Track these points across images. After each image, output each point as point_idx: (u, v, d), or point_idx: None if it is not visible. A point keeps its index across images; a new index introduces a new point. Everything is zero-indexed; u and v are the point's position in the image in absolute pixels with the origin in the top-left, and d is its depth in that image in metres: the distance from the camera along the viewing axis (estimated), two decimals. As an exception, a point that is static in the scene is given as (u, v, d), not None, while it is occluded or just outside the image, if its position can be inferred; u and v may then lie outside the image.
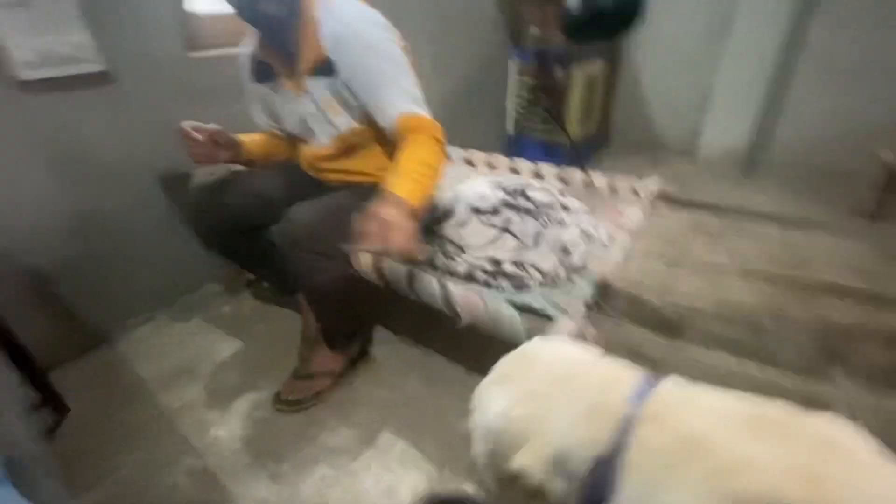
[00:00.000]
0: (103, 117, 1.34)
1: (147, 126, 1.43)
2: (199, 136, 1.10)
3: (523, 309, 0.95)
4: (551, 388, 0.53)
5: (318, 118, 1.11)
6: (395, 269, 1.09)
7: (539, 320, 0.92)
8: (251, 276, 1.72)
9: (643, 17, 1.86)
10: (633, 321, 0.97)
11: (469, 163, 1.78)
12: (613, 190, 1.48)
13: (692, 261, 1.13)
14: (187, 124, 1.11)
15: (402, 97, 1.00)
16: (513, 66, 2.72)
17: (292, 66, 1.06)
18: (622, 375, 0.54)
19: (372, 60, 0.99)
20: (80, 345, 1.47)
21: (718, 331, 0.93)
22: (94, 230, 1.41)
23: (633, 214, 1.30)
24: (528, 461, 0.49)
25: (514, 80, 2.75)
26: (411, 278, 1.06)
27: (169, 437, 1.17)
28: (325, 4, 1.00)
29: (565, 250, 1.10)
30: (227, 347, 1.47)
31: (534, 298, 0.97)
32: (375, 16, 1.03)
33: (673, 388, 0.51)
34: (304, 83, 1.06)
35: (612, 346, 0.88)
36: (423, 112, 1.01)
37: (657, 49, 2.87)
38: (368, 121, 1.08)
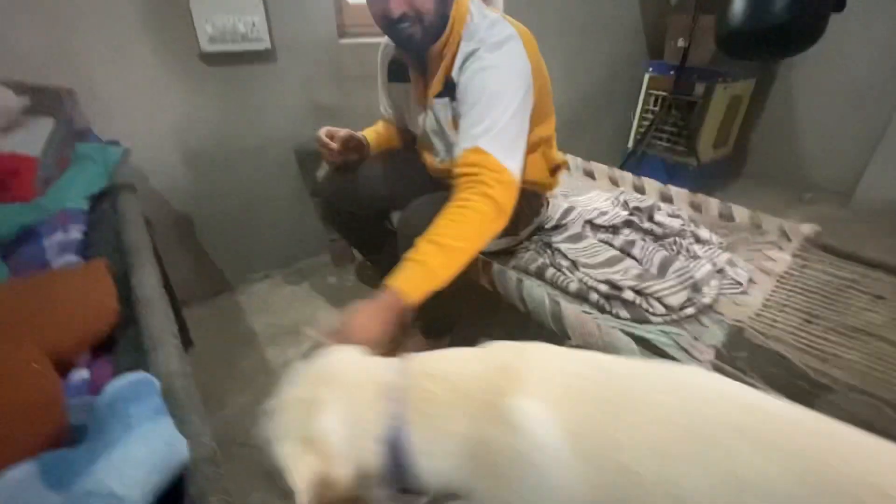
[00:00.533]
0: (261, 91, 1.49)
1: (294, 102, 1.56)
2: (333, 145, 1.14)
3: (641, 343, 0.87)
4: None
5: (440, 134, 1.08)
6: (505, 273, 1.07)
7: (658, 358, 0.84)
8: (359, 255, 1.80)
9: (818, 36, 1.61)
10: (766, 380, 0.85)
11: (589, 175, 1.69)
12: (757, 226, 1.31)
13: (846, 323, 0.96)
14: (323, 132, 1.15)
15: (485, 131, 0.85)
16: (646, 79, 2.54)
17: (425, 82, 1.04)
18: (378, 362, 0.58)
19: (479, 86, 0.89)
20: (209, 289, 1.66)
21: (866, 413, 0.78)
22: (235, 190, 1.57)
23: (781, 258, 1.14)
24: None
25: (646, 93, 2.57)
26: (521, 287, 1.02)
27: (271, 390, 1.27)
28: (472, 23, 0.94)
29: (696, 287, 0.99)
30: (327, 317, 1.55)
31: (655, 334, 0.89)
32: (511, 42, 0.91)
33: (422, 357, 0.56)
34: (430, 100, 1.04)
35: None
36: (499, 154, 0.84)
37: (822, 72, 2.50)
38: None
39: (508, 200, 0.85)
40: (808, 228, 1.23)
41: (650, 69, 2.52)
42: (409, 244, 0.99)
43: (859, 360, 0.86)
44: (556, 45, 0.93)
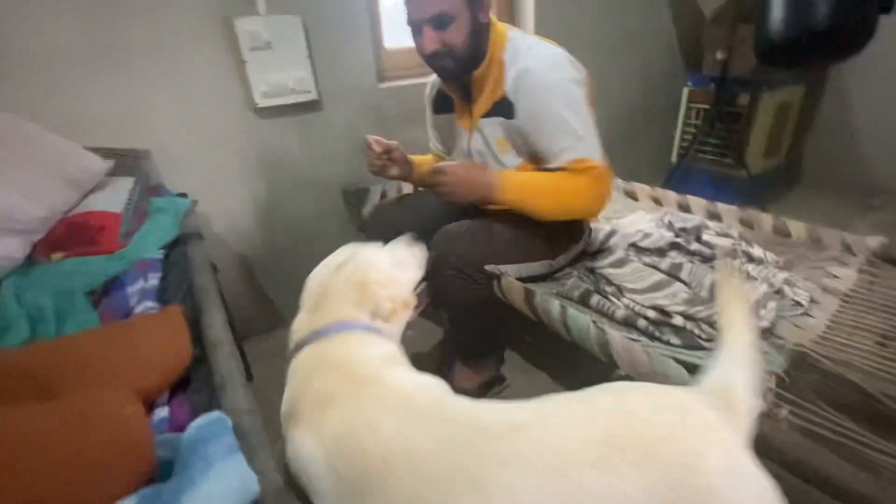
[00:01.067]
0: (310, 137, 1.60)
1: (340, 145, 1.67)
2: (377, 148, 1.16)
3: (695, 371, 0.84)
4: None
5: (486, 154, 1.14)
6: (548, 301, 1.07)
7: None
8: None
9: (867, 40, 1.53)
10: (834, 406, 0.79)
11: (631, 196, 1.67)
12: (816, 241, 1.24)
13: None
14: (372, 137, 1.19)
15: (575, 143, 0.98)
16: (685, 92, 2.50)
17: (469, 106, 1.12)
18: None
19: (549, 106, 0.97)
20: (266, 323, 1.75)
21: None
22: (288, 228, 1.68)
23: (845, 275, 1.07)
24: None
25: (686, 107, 2.52)
26: (564, 314, 1.02)
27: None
28: (512, 47, 1.02)
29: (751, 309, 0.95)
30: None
31: (709, 361, 0.86)
32: (559, 58, 1.01)
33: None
34: (477, 122, 1.10)
35: (807, 433, 0.73)
36: (594, 156, 0.99)
37: (877, 73, 2.35)
38: (535, 161, 1.07)
39: (606, 187, 1.02)
40: (874, 241, 1.16)
41: (689, 83, 2.48)
42: (437, 269, 1.02)
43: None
44: (588, 64, 0.99)
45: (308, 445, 0.59)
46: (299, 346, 0.74)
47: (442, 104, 1.22)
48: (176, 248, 1.09)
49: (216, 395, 0.63)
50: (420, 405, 0.59)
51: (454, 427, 0.53)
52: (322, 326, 0.73)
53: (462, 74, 1.03)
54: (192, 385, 0.70)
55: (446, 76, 1.06)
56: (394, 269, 0.82)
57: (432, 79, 1.25)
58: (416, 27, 0.97)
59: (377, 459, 0.52)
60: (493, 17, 1.04)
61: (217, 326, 0.75)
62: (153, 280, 0.90)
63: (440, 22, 0.94)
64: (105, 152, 1.20)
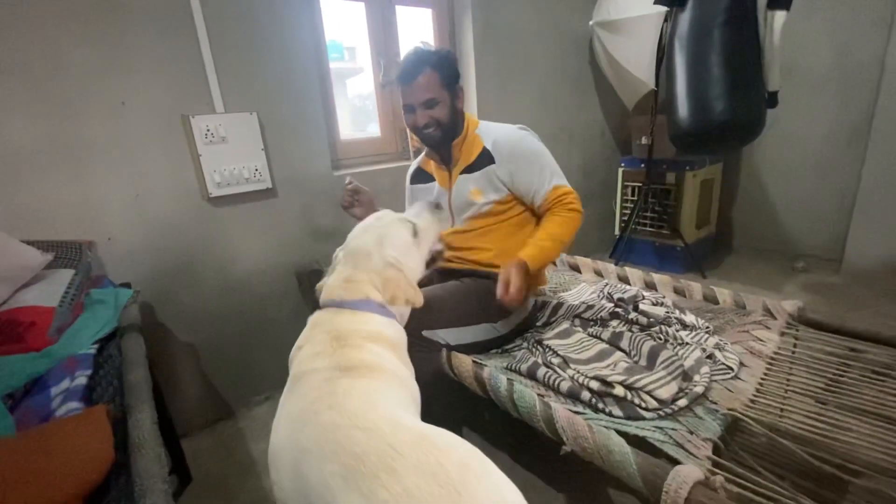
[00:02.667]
0: (263, 223, 1.64)
1: (294, 230, 1.70)
2: (349, 188, 1.36)
3: (635, 441, 0.86)
4: None
5: (461, 206, 1.33)
6: (496, 377, 1.08)
7: (654, 457, 0.82)
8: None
9: (759, 130, 1.79)
10: (770, 470, 0.82)
11: (574, 269, 1.76)
12: (741, 307, 1.34)
13: (854, 404, 0.94)
14: (350, 183, 1.36)
15: (550, 176, 1.25)
16: (620, 173, 2.75)
17: (448, 168, 1.35)
18: None
19: (524, 152, 1.26)
20: (211, 415, 1.65)
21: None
22: (237, 315, 1.65)
23: (769, 338, 1.15)
24: None
25: (622, 185, 2.76)
26: (511, 390, 1.03)
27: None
28: (484, 126, 1.33)
29: (686, 375, 1.00)
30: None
31: (650, 431, 0.88)
32: (522, 128, 1.32)
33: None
34: (456, 179, 1.33)
35: (743, 499, 0.74)
36: (565, 183, 1.27)
37: (781, 151, 2.70)
38: (514, 199, 1.29)
39: (579, 205, 1.25)
40: (791, 305, 1.26)
41: (622, 164, 2.74)
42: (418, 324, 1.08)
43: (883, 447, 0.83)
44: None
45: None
46: (324, 306, 0.89)
47: (419, 177, 1.46)
48: (112, 341, 1.05)
49: (135, 505, 0.59)
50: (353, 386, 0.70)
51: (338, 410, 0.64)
52: (349, 300, 0.87)
53: (445, 141, 1.29)
54: (109, 494, 0.65)
55: (433, 144, 1.31)
56: (412, 247, 1.00)
57: (414, 162, 1.51)
58: (411, 109, 1.25)
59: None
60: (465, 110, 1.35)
61: (144, 427, 0.72)
62: (81, 378, 0.86)
63: (430, 104, 1.23)
64: (46, 245, 1.18)
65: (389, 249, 0.94)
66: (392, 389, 0.74)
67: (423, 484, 0.50)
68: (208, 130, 1.45)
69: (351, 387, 0.68)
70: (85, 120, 1.29)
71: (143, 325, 1.13)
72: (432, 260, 1.09)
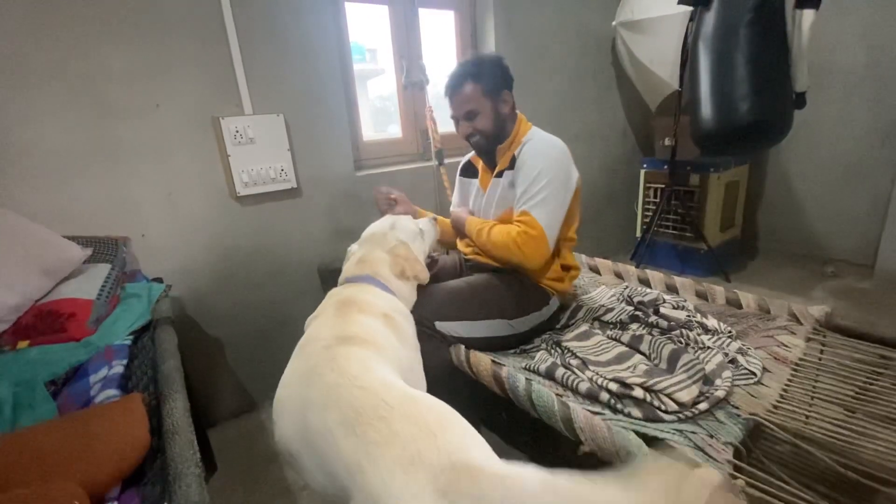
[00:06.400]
0: (289, 220, 1.68)
1: (318, 228, 1.74)
2: (382, 192, 1.46)
3: (654, 443, 0.85)
4: None
5: (486, 207, 1.39)
6: (514, 376, 1.08)
7: (673, 459, 0.82)
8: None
9: (786, 131, 1.75)
10: (799, 481, 0.80)
11: (594, 270, 1.75)
12: (765, 311, 1.32)
13: (885, 412, 0.92)
14: (383, 187, 1.46)
15: (536, 203, 1.20)
16: (642, 174, 2.72)
17: (491, 170, 1.40)
18: None
19: (533, 165, 1.23)
20: (236, 408, 1.70)
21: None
22: (263, 313, 1.69)
23: (794, 343, 1.13)
24: None
25: (644, 187, 2.73)
26: (530, 389, 1.04)
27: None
28: (531, 133, 1.33)
29: (707, 379, 0.99)
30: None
31: (669, 433, 0.88)
32: (559, 143, 1.29)
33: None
34: (491, 181, 1.37)
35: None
36: (540, 220, 1.19)
37: (810, 153, 2.63)
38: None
39: (531, 249, 1.19)
40: (818, 311, 1.23)
41: (644, 165, 2.71)
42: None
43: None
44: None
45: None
46: (340, 283, 1.08)
47: (467, 171, 1.54)
48: (146, 333, 1.10)
49: (170, 489, 0.62)
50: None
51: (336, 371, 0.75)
52: (358, 275, 1.06)
53: (490, 148, 1.35)
54: (146, 476, 0.69)
55: (478, 150, 1.39)
56: (418, 237, 1.22)
57: (468, 154, 1.56)
58: (456, 120, 1.34)
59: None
60: (521, 114, 1.38)
61: (178, 415, 0.75)
62: (118, 367, 0.90)
63: (470, 115, 1.30)
64: (85, 240, 1.24)
65: (400, 233, 1.18)
66: (381, 357, 0.84)
67: (407, 428, 0.61)
68: (237, 131, 1.50)
69: (349, 353, 0.80)
70: (121, 122, 1.35)
71: (177, 320, 1.18)
72: (428, 266, 1.23)
